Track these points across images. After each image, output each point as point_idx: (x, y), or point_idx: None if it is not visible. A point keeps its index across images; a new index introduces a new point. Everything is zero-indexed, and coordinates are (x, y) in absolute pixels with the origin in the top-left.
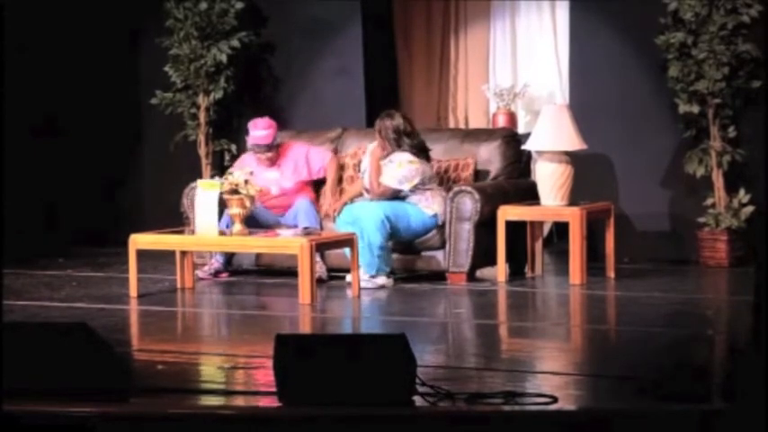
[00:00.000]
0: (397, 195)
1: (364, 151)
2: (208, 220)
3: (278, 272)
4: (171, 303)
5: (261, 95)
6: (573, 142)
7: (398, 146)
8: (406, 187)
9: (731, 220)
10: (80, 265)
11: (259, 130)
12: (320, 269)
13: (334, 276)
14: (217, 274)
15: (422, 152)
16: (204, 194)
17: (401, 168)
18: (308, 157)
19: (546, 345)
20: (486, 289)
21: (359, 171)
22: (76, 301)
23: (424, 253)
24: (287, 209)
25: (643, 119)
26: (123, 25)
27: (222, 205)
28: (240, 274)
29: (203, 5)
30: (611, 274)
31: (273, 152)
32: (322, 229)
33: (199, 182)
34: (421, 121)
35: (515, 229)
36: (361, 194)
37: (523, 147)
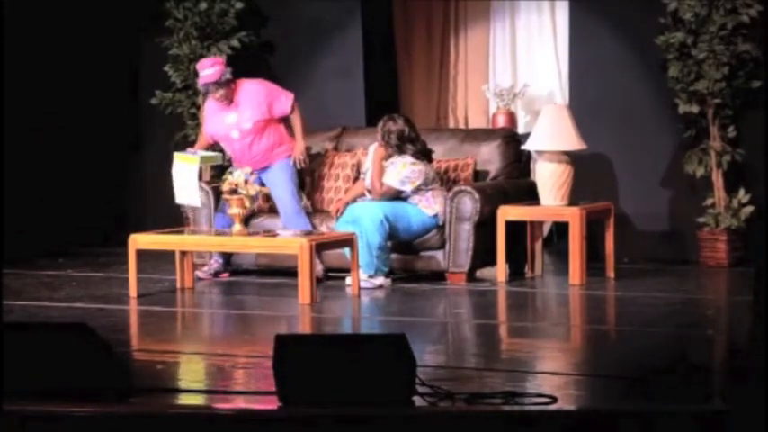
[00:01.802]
0: (398, 196)
1: (364, 152)
2: (187, 191)
3: (278, 272)
4: (171, 303)
5: None
6: (573, 142)
7: (401, 152)
8: (408, 188)
9: (731, 220)
10: (80, 265)
11: (206, 69)
12: (317, 267)
13: (335, 276)
14: (216, 274)
15: (424, 156)
16: (181, 166)
17: (404, 169)
18: (269, 99)
19: (546, 345)
20: (485, 289)
21: (359, 171)
22: (76, 301)
23: (423, 253)
24: (258, 163)
25: (643, 119)
26: (123, 25)
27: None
28: (240, 274)
29: (203, 5)
30: (611, 274)
31: (226, 88)
32: (312, 210)
33: (175, 154)
34: (421, 121)
35: (515, 229)
36: (363, 194)
37: (523, 147)
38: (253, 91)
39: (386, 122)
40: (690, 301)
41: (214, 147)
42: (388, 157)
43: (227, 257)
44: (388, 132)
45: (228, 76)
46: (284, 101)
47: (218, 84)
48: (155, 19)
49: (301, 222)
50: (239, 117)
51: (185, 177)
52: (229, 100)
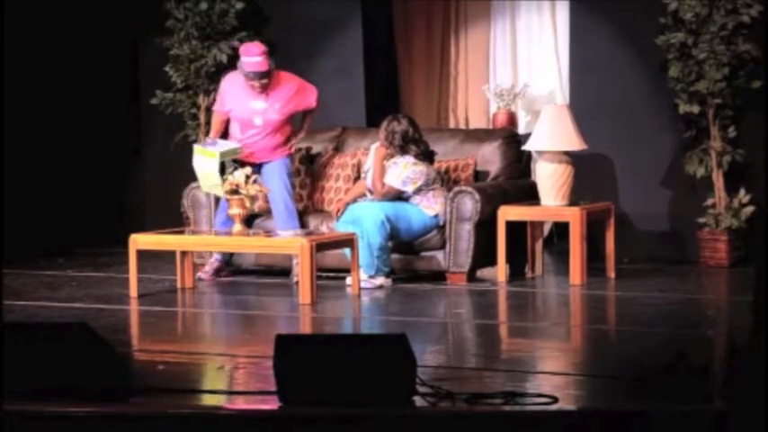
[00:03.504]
0: (399, 196)
1: (364, 152)
2: (211, 182)
3: (278, 272)
4: (171, 303)
5: None
6: (573, 142)
7: (404, 152)
8: (409, 189)
9: (731, 221)
10: (80, 265)
11: (254, 56)
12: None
13: (335, 276)
14: (218, 272)
15: (426, 158)
16: (202, 159)
17: (405, 170)
18: (299, 93)
19: (546, 345)
20: (486, 289)
21: (360, 171)
22: (76, 301)
23: (424, 253)
24: (261, 156)
25: (643, 119)
26: (123, 25)
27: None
28: (240, 274)
29: (203, 5)
30: (611, 274)
31: (268, 79)
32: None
33: (195, 146)
34: (421, 121)
35: (515, 229)
36: (363, 195)
37: (523, 147)
38: (286, 84)
39: (390, 122)
40: (690, 301)
41: (225, 132)
42: (390, 156)
43: (228, 256)
44: (392, 133)
45: (273, 66)
46: (310, 94)
47: (266, 73)
48: (155, 19)
49: (290, 222)
50: (269, 107)
51: (207, 170)
52: (265, 89)
